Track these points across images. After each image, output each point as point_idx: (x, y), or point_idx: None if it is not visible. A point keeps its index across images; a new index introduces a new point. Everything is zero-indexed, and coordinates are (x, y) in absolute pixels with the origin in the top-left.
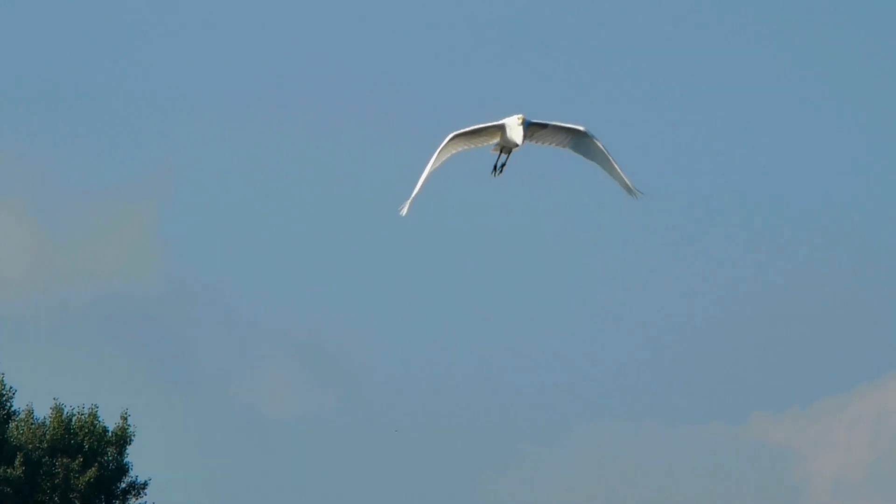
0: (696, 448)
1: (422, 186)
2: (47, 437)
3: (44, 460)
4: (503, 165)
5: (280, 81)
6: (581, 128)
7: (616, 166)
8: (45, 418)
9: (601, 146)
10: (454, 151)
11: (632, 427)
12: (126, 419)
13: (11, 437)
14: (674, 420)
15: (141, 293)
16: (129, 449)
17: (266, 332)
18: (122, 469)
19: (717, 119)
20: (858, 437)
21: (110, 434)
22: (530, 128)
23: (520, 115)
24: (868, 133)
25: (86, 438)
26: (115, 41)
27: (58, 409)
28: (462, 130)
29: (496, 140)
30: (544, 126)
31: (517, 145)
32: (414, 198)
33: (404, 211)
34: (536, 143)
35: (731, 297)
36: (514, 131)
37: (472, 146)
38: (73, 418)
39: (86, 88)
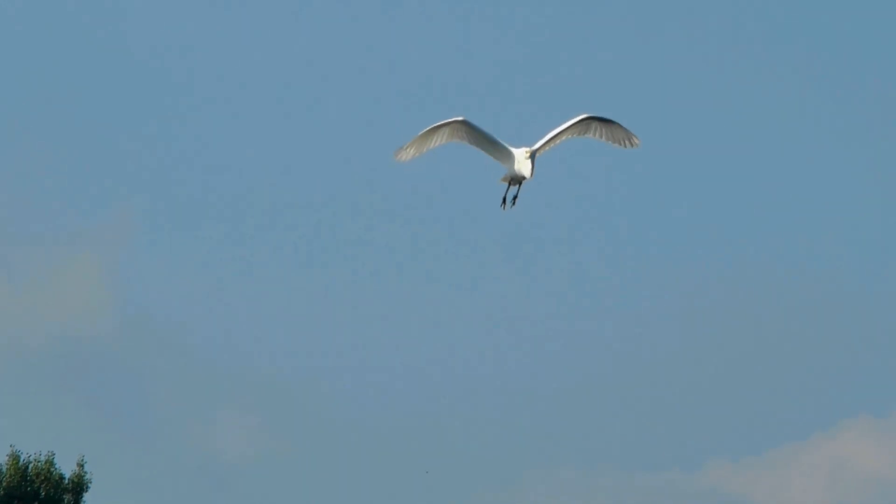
0: (653, 495)
1: (417, 142)
2: (3, 484)
3: None
4: (515, 198)
5: (231, 128)
6: (583, 115)
7: (615, 124)
8: (1, 465)
9: (597, 120)
10: (456, 140)
11: (587, 475)
12: (83, 466)
13: None
14: (630, 467)
15: (97, 337)
16: (86, 496)
17: (224, 375)
18: None
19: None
20: (814, 484)
21: (67, 481)
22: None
23: (527, 150)
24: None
25: (42, 485)
26: (67, 90)
27: (14, 457)
28: (474, 124)
29: (496, 158)
30: (546, 143)
31: (525, 178)
32: (409, 147)
33: (399, 156)
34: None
35: (687, 343)
36: (523, 165)
37: (475, 147)
38: (30, 465)
39: (41, 130)
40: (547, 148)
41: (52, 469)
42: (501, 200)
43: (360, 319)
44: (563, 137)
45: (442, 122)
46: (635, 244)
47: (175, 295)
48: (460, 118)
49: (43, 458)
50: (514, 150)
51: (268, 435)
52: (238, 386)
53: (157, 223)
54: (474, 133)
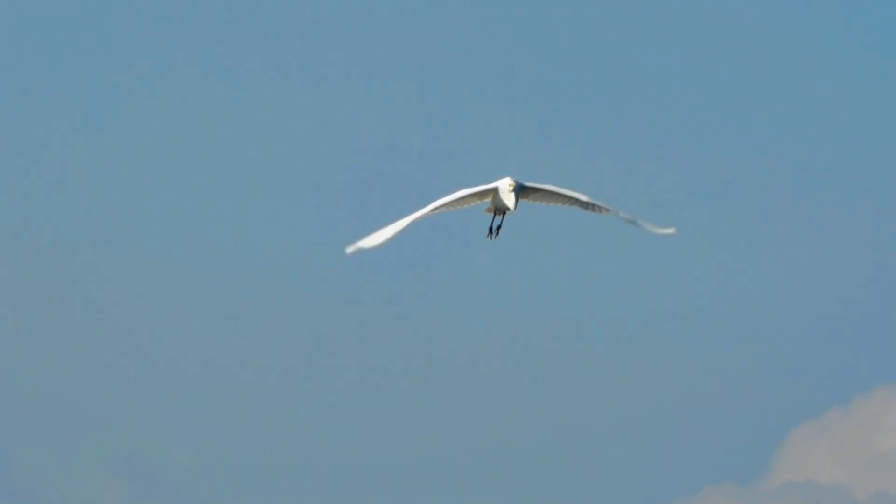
0: None
1: (378, 242)
2: None
3: None
4: (499, 227)
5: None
6: (583, 197)
7: (632, 218)
8: None
9: (608, 207)
10: (434, 213)
11: None
12: None
13: None
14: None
15: None
16: None
17: (82, 445)
18: None
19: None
20: None
21: None
22: (524, 190)
23: (510, 182)
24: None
25: None
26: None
27: None
28: (447, 199)
29: (487, 200)
30: (538, 189)
31: (509, 209)
32: (365, 245)
33: (350, 249)
34: (537, 202)
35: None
36: (507, 197)
37: (460, 208)
38: None
39: None
40: (540, 197)
41: None
42: (488, 231)
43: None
44: (566, 202)
45: (412, 216)
46: None
47: (32, 354)
48: (431, 206)
49: None
50: (497, 182)
51: None
52: (97, 453)
53: None
54: (454, 203)
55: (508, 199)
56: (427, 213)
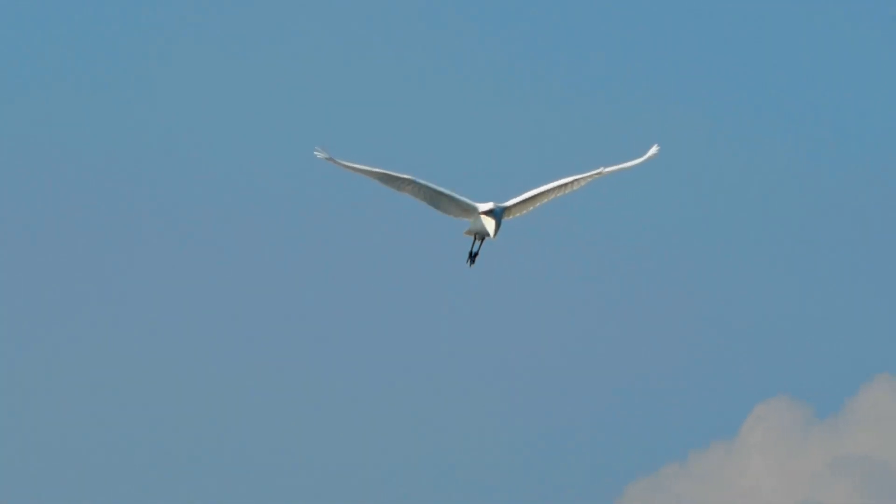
0: None
1: (352, 167)
2: None
3: None
4: (476, 254)
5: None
6: (567, 179)
7: (617, 166)
8: None
9: (594, 171)
10: (407, 193)
11: None
12: None
13: None
14: None
15: None
16: None
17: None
18: None
19: None
20: None
21: None
22: (509, 211)
23: (491, 206)
24: None
25: None
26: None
27: None
28: (430, 183)
29: (459, 215)
30: (522, 202)
31: (489, 235)
32: (336, 160)
33: (320, 154)
34: (527, 213)
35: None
36: (487, 223)
37: (430, 205)
38: None
39: None
40: (526, 209)
41: None
42: (468, 255)
43: None
44: (546, 199)
45: (393, 174)
46: None
47: None
48: (407, 175)
49: None
50: (479, 204)
51: None
52: None
53: None
54: (428, 191)
55: (488, 225)
56: (401, 178)
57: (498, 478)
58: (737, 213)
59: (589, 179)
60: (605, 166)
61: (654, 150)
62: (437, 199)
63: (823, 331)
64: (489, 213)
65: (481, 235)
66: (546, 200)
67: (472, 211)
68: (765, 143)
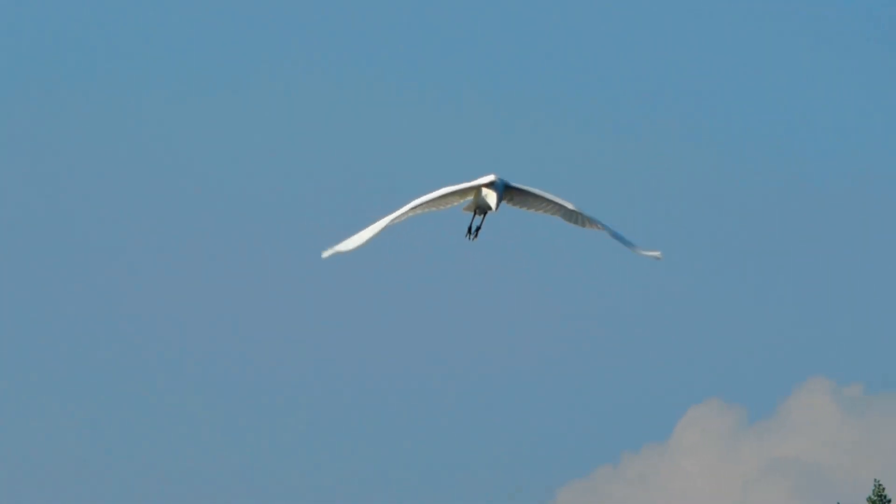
0: None
1: (356, 244)
2: None
3: None
4: (478, 228)
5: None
6: (570, 205)
7: (617, 233)
8: None
9: (593, 219)
10: (414, 215)
11: None
12: None
13: None
14: None
15: None
16: None
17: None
18: None
19: None
20: None
21: None
22: (508, 191)
23: (493, 178)
24: None
25: None
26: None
27: None
28: (427, 198)
29: (468, 199)
30: (524, 192)
31: (491, 209)
32: (343, 249)
33: (327, 254)
34: (519, 208)
35: None
36: (489, 196)
37: (439, 209)
38: None
39: None
40: (524, 201)
41: None
42: (467, 230)
43: None
44: (550, 210)
45: (392, 216)
46: None
47: None
48: (410, 204)
49: None
50: (479, 180)
51: None
52: None
53: None
54: (434, 202)
55: (491, 199)
56: (406, 213)
57: (428, 482)
58: (669, 221)
59: (587, 224)
60: (608, 227)
61: (656, 253)
62: (442, 203)
63: (756, 335)
64: (490, 185)
65: (482, 210)
66: (544, 212)
67: (475, 191)
68: (701, 151)
